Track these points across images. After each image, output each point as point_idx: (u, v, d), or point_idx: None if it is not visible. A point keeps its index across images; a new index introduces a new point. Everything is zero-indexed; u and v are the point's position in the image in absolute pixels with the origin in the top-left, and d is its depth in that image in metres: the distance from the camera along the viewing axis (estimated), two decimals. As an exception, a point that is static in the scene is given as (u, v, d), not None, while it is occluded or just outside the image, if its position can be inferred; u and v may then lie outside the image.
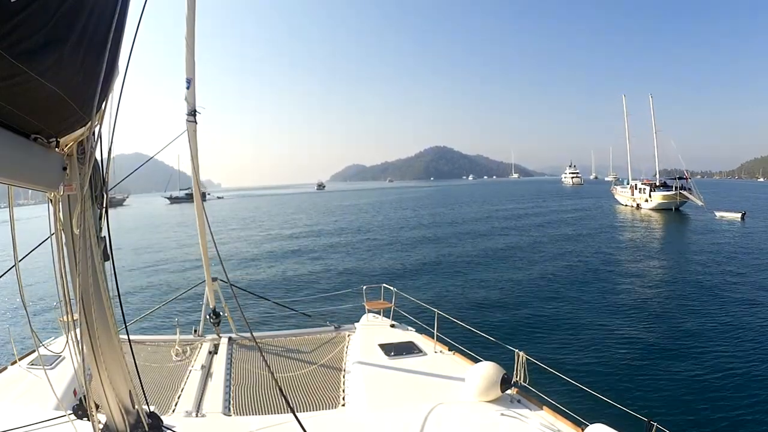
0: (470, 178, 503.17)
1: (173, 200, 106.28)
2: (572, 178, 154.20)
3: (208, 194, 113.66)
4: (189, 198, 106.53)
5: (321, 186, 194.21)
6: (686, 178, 46.96)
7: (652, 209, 45.98)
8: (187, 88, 5.41)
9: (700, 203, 42.84)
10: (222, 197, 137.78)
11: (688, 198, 44.18)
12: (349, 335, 6.76)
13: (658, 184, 47.81)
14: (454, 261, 22.58)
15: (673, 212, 43.52)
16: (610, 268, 19.96)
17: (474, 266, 21.26)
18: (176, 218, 61.42)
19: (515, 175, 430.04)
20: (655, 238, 29.75)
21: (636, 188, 50.19)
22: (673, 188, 44.69)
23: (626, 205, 51.77)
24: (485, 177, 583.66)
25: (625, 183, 56.57)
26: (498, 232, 33.86)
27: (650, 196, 46.48)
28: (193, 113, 5.50)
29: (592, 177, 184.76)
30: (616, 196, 57.03)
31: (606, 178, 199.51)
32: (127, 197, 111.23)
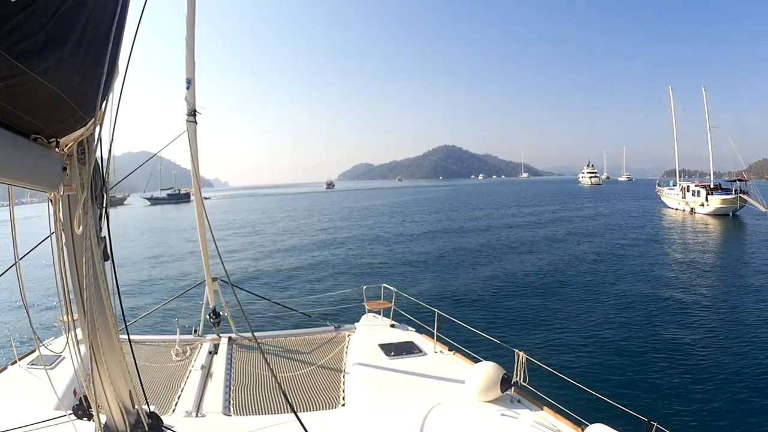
0: (480, 177, 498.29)
1: (153, 201, 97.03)
2: (590, 177, 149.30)
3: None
4: (170, 199, 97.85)
5: (330, 185, 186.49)
6: (745, 180, 41.62)
7: (708, 214, 40.59)
8: (187, 88, 5.41)
9: (762, 209, 37.48)
10: (209, 198, 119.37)
11: (747, 201, 38.72)
12: (349, 335, 6.76)
13: (713, 186, 42.51)
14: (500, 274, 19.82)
15: (731, 218, 38.36)
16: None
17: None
18: (156, 222, 53.60)
19: (525, 175, 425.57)
20: (713, 247, 26.06)
21: (688, 190, 44.56)
22: (733, 191, 39.29)
23: (677, 209, 46.54)
24: (494, 176, 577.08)
25: (671, 184, 51.12)
26: (546, 239, 29.44)
27: (707, 199, 41.00)
28: (193, 113, 5.50)
29: (603, 177, 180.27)
30: (663, 199, 51.69)
31: (619, 178, 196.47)
32: (128, 196, 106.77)
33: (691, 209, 43.49)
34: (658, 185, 56.10)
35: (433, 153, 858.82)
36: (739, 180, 41.30)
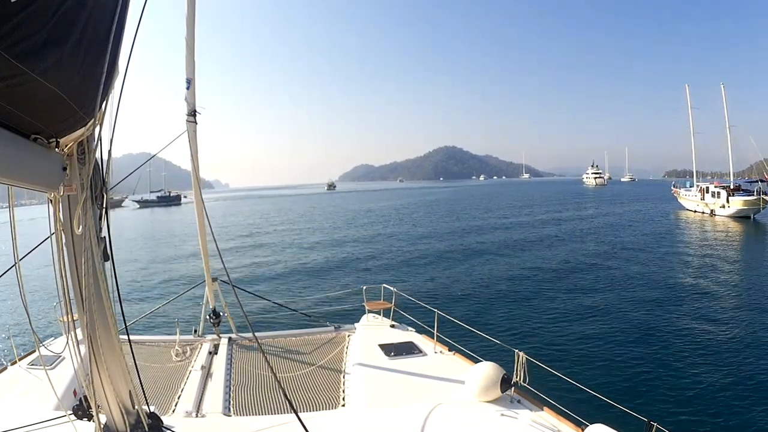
0: (481, 178, 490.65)
1: (142, 204, 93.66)
2: (595, 178, 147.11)
3: (185, 197, 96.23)
4: (160, 201, 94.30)
5: (332, 186, 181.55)
6: (767, 180, 39.80)
7: (729, 216, 38.73)
8: (187, 88, 5.41)
9: None
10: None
11: None
12: (349, 335, 6.76)
13: (733, 187, 40.90)
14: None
15: (752, 221, 36.56)
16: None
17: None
18: (144, 228, 49.38)
19: (526, 176, 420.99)
20: (737, 250, 24.68)
21: (707, 191, 42.66)
22: (754, 192, 37.49)
23: (695, 212, 44.52)
24: (495, 177, 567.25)
25: (688, 185, 49.46)
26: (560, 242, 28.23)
27: (728, 201, 39.24)
28: (193, 113, 5.50)
29: (606, 177, 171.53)
30: (680, 201, 49.66)
31: (622, 179, 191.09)
32: (126, 198, 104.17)
33: (711, 211, 41.39)
34: (674, 186, 53.87)
35: (433, 154, 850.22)
36: (761, 180, 39.43)
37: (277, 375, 5.57)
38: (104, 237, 2.64)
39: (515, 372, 4.48)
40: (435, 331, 5.88)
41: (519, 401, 4.33)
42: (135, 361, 3.05)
